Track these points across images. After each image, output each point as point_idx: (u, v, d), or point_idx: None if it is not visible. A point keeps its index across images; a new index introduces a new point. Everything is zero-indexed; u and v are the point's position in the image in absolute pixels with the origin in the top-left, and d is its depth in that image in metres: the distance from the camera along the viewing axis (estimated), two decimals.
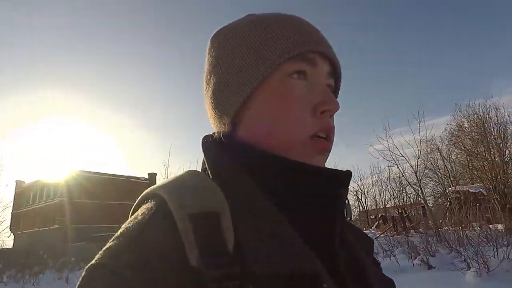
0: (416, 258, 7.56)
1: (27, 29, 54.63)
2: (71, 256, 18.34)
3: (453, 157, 21.58)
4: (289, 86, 0.46)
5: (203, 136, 0.52)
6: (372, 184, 32.45)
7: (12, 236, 36.53)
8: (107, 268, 0.33)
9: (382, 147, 13.38)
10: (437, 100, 44.81)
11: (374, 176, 29.65)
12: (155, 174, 36.17)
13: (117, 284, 0.32)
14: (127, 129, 62.73)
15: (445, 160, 21.79)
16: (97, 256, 0.35)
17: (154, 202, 0.39)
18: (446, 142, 21.35)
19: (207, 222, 0.36)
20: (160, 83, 61.19)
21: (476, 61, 45.88)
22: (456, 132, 19.62)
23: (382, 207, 28.52)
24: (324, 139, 0.46)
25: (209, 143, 0.50)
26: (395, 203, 27.17)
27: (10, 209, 29.79)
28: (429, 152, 20.72)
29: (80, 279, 0.34)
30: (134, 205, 0.43)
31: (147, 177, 39.29)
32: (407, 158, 12.45)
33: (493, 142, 16.66)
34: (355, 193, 29.76)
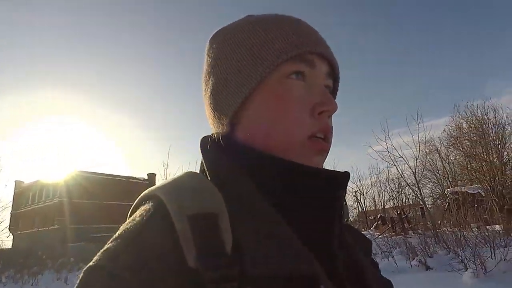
0: (414, 259, 7.59)
1: (27, 29, 54.66)
2: (70, 256, 18.32)
3: (451, 158, 21.68)
4: (287, 87, 0.46)
5: (201, 137, 0.53)
6: (371, 185, 32.52)
7: (11, 236, 36.46)
8: (105, 269, 0.33)
9: (381, 148, 13.44)
10: (436, 101, 44.84)
11: (373, 177, 29.74)
12: (155, 175, 36.15)
13: (115, 285, 0.32)
14: (127, 129, 62.76)
15: (443, 161, 21.88)
16: (95, 258, 0.35)
17: (152, 204, 0.39)
18: (444, 143, 21.46)
19: (205, 223, 0.36)
20: (160, 83, 61.24)
21: (476, 62, 45.99)
22: (454, 133, 19.73)
23: (381, 208, 28.55)
24: (322, 140, 0.46)
25: (207, 144, 0.50)
26: (394, 204, 27.20)
27: (9, 209, 29.86)
28: (427, 153, 20.85)
29: (78, 281, 0.34)
30: (132, 206, 0.43)
31: (146, 177, 39.29)
32: (405, 159, 12.49)
33: (492, 143, 16.70)
34: (354, 193, 29.77)
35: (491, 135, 16.92)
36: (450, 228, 10.23)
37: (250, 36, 0.49)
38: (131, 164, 59.56)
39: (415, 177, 12.77)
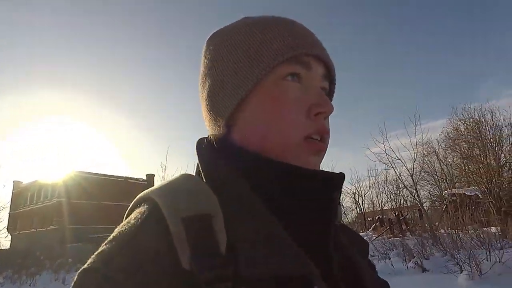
0: (410, 261, 7.63)
1: (27, 29, 54.66)
2: (69, 257, 18.29)
3: (449, 160, 21.74)
4: (283, 89, 0.46)
5: (197, 139, 0.53)
6: (370, 186, 32.63)
7: (9, 237, 36.38)
8: (99, 272, 0.33)
9: (379, 150, 13.49)
10: (434, 103, 45.04)
11: (371, 179, 29.79)
12: (153, 175, 36.15)
13: None
14: (126, 130, 62.70)
15: (441, 163, 21.93)
16: (89, 260, 0.35)
17: (147, 206, 0.39)
18: (442, 145, 21.52)
19: (200, 225, 0.36)
20: (159, 84, 61.23)
21: (474, 64, 46.15)
22: (452, 136, 19.79)
23: (379, 209, 28.59)
24: (318, 141, 0.46)
25: (203, 146, 0.50)
26: (392, 205, 27.25)
27: (7, 210, 29.82)
28: (425, 155, 20.89)
29: (72, 284, 0.35)
30: (128, 209, 0.43)
31: (145, 178, 39.26)
32: (403, 161, 12.59)
33: (489, 146, 16.77)
34: (352, 195, 29.83)
35: (488, 137, 16.99)
36: (448, 229, 10.27)
37: (246, 38, 0.49)
38: (130, 164, 59.62)
39: (412, 179, 12.85)
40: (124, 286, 0.32)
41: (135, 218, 0.38)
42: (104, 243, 0.37)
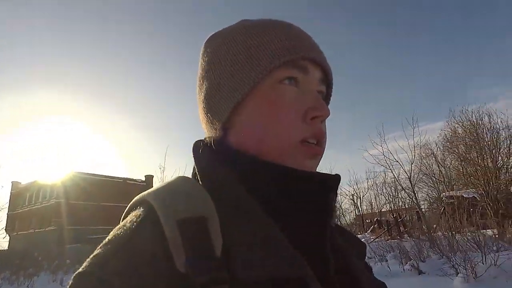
0: (407, 263, 7.66)
1: (27, 29, 54.68)
2: (67, 257, 18.27)
3: (447, 162, 21.81)
4: (280, 92, 0.46)
5: (194, 141, 0.53)
6: (368, 188, 32.62)
7: (7, 238, 36.31)
8: (94, 275, 0.33)
9: (376, 152, 13.55)
10: (433, 105, 45.11)
11: (369, 180, 29.77)
12: (152, 176, 36.16)
13: None
14: (125, 130, 62.71)
15: (439, 165, 22.01)
16: (84, 264, 0.35)
17: (142, 209, 0.39)
18: (440, 148, 21.60)
19: (195, 228, 0.36)
20: (160, 84, 61.22)
21: (473, 66, 46.30)
22: (450, 138, 19.86)
23: (377, 211, 28.61)
24: (315, 145, 0.46)
25: (199, 148, 0.50)
26: (390, 207, 27.28)
27: (6, 210, 29.76)
28: (424, 157, 20.95)
29: None
30: (125, 212, 0.43)
31: (144, 179, 39.24)
32: (401, 164, 12.62)
33: (486, 148, 16.84)
34: (351, 197, 29.84)
35: (486, 140, 17.06)
36: (445, 232, 10.30)
37: (243, 41, 0.49)
38: (129, 165, 59.52)
39: (410, 182, 12.89)
40: None
41: (130, 221, 0.38)
42: (99, 247, 0.37)
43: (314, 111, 0.46)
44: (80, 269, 0.35)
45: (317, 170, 0.49)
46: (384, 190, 28.40)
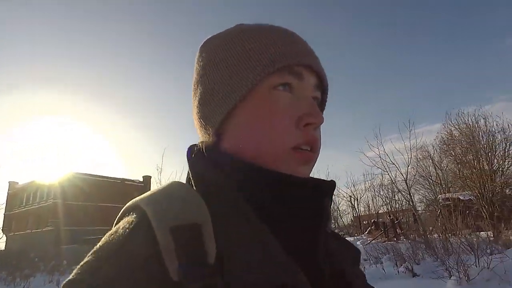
0: (401, 265, 7.70)
1: (27, 29, 54.55)
2: (64, 258, 18.20)
3: (444, 164, 21.90)
4: (274, 98, 0.46)
5: (188, 146, 0.52)
6: (365, 190, 32.71)
7: (4, 238, 36.14)
8: (84, 283, 0.33)
9: (373, 154, 13.60)
10: (432, 107, 45.28)
11: (367, 182, 29.86)
12: (150, 177, 36.08)
13: None
14: (125, 130, 62.58)
15: (436, 167, 22.09)
16: (74, 271, 0.35)
17: (135, 215, 0.39)
18: (437, 150, 21.69)
19: (188, 235, 0.36)
20: (160, 84, 61.13)
21: (471, 69, 46.46)
22: (446, 141, 19.95)
23: (374, 213, 28.66)
24: (308, 151, 0.46)
25: (193, 153, 0.50)
26: (387, 209, 27.33)
27: (3, 210, 29.60)
28: (421, 159, 21.05)
29: None
30: (117, 217, 0.43)
31: (141, 179, 39.17)
32: (397, 166, 12.70)
33: (482, 151, 16.93)
34: (348, 198, 29.88)
35: (482, 143, 17.15)
36: (441, 234, 10.34)
37: (238, 46, 0.49)
38: (127, 165, 59.40)
39: (406, 184, 12.97)
40: None
41: (123, 228, 0.38)
42: (90, 253, 0.36)
43: (308, 117, 0.46)
44: (71, 276, 0.34)
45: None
46: (381, 192, 28.50)
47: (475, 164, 16.89)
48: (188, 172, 0.49)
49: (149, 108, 62.31)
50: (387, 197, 27.77)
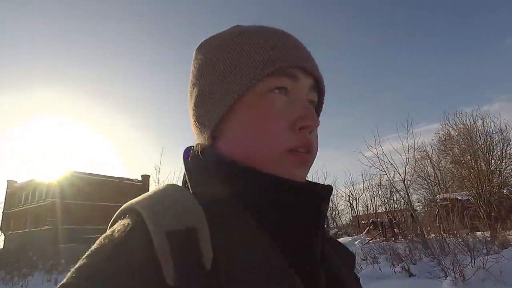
0: (398, 265, 7.73)
1: (27, 29, 54.44)
2: (62, 257, 18.21)
3: (442, 165, 21.94)
4: (269, 101, 0.45)
5: (185, 148, 0.52)
6: (364, 190, 32.78)
7: (2, 237, 36.12)
8: (79, 287, 0.32)
9: (371, 154, 13.64)
10: (433, 106, 45.34)
11: (365, 182, 29.92)
12: (148, 176, 36.03)
13: None
14: (125, 130, 62.50)
15: (434, 167, 22.14)
16: (69, 274, 0.34)
17: (130, 218, 0.39)
18: (435, 150, 21.75)
19: (184, 239, 0.35)
20: (160, 84, 61.09)
21: (471, 69, 46.51)
22: (444, 141, 19.98)
23: (373, 212, 28.71)
24: (304, 153, 0.46)
25: (189, 156, 0.50)
26: (386, 209, 27.40)
27: (1, 209, 29.60)
28: (419, 159, 21.10)
29: None
30: (112, 220, 0.42)
31: (140, 179, 39.16)
32: (395, 166, 12.69)
33: (480, 151, 16.97)
34: (347, 198, 29.93)
35: (479, 143, 17.19)
36: (439, 234, 10.37)
37: (234, 48, 0.48)
38: (127, 164, 59.32)
39: (404, 184, 12.99)
40: None
41: (118, 230, 0.37)
42: (84, 257, 0.36)
43: (303, 120, 0.45)
44: (64, 280, 0.34)
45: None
46: (380, 192, 28.57)
47: (473, 164, 16.94)
48: (185, 174, 0.49)
49: (149, 108, 62.30)
50: (385, 197, 27.86)
